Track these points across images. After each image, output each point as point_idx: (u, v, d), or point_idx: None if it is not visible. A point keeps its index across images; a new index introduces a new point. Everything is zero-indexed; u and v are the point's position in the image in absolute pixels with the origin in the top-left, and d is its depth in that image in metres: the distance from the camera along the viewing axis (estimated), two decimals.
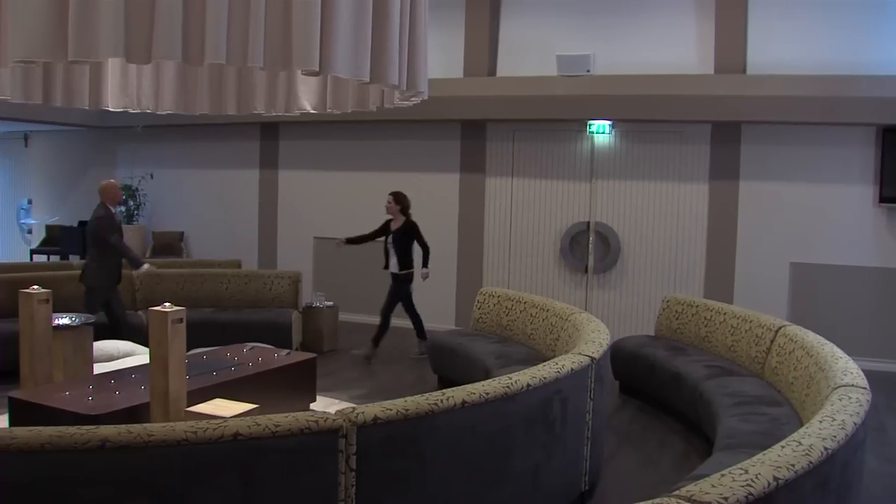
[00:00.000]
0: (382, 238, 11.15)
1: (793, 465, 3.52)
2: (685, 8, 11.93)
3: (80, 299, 9.58)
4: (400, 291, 11.11)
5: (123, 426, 3.83)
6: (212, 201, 15.24)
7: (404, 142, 13.80)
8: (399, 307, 11.18)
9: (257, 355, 8.32)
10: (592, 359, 5.94)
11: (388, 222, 11.13)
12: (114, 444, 3.72)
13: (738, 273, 11.80)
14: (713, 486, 3.24)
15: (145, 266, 9.84)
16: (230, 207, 15.21)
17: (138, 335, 9.92)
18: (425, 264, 11.11)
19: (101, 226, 9.44)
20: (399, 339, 12.51)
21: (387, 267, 11.12)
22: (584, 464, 5.96)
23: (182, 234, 16.02)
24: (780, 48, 11.33)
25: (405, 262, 11.00)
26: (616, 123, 12.30)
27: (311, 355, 8.54)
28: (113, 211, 9.60)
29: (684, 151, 12.00)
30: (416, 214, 13.21)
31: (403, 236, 10.98)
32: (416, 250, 11.03)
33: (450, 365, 9.38)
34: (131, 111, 8.23)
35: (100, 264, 9.50)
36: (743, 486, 3.24)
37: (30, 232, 19.02)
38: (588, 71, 12.01)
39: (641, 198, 12.27)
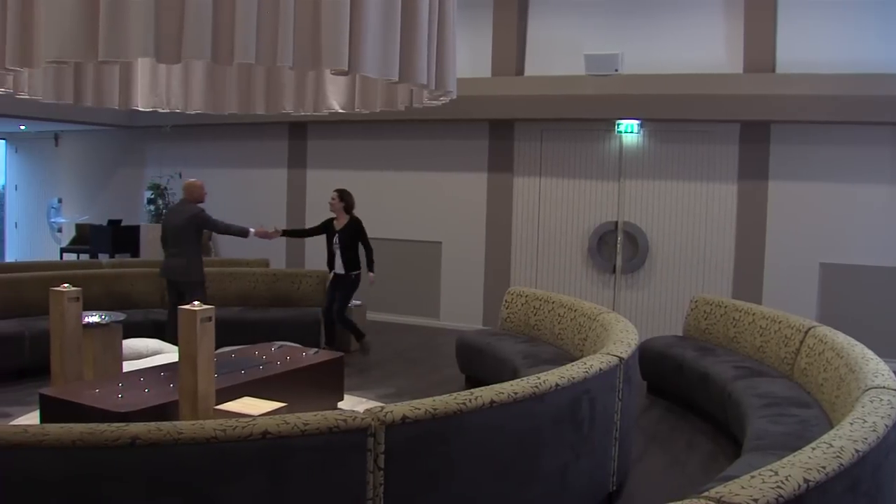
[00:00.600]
0: (328, 237, 10.89)
1: (823, 468, 3.50)
2: (714, 7, 11.87)
3: (108, 298, 9.65)
4: (349, 292, 10.86)
5: (153, 424, 3.86)
6: (240, 200, 15.28)
7: (432, 141, 13.81)
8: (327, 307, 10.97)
9: (285, 354, 8.36)
10: (621, 359, 5.92)
11: (331, 220, 10.90)
12: (144, 442, 3.74)
13: (767, 273, 11.73)
14: (743, 487, 3.23)
15: (251, 230, 10.14)
16: (258, 206, 15.26)
17: (164, 333, 10.02)
18: (370, 268, 10.89)
19: (203, 218, 9.73)
20: (426, 338, 12.56)
21: (332, 268, 10.85)
22: (612, 464, 5.94)
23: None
24: (810, 47, 11.25)
25: (352, 262, 10.76)
26: (644, 123, 12.26)
27: (338, 354, 8.57)
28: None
29: (713, 151, 11.94)
30: (444, 215, 13.25)
31: (348, 236, 10.75)
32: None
33: (478, 364, 9.38)
34: (160, 111, 8.26)
35: (200, 258, 9.84)
36: (773, 488, 3.22)
37: (60, 231, 19.17)
38: (616, 70, 11.97)
39: (670, 198, 12.22)
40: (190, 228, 9.66)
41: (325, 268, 11.32)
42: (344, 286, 10.75)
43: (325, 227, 10.85)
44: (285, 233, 10.97)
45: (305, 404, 6.52)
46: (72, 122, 16.01)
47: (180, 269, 9.69)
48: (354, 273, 10.71)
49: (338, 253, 10.70)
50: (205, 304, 8.45)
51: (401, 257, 14.10)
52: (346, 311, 10.90)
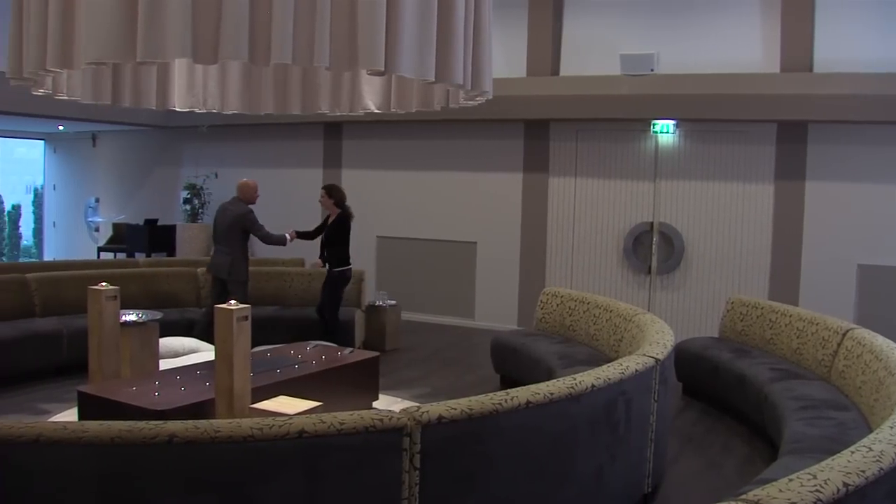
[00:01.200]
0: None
1: (863, 472, 3.46)
2: (750, 6, 11.79)
3: (145, 296, 9.72)
4: (332, 289, 10.50)
5: (190, 422, 3.89)
6: (275, 200, 15.31)
7: (467, 141, 13.81)
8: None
9: (320, 353, 8.39)
10: (657, 360, 5.90)
11: (327, 218, 10.65)
12: (181, 440, 3.77)
13: (804, 275, 11.64)
14: (781, 490, 3.20)
15: (287, 236, 10.22)
16: (294, 206, 15.31)
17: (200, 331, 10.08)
18: (325, 256, 10.46)
19: (249, 220, 9.88)
20: (460, 338, 12.56)
21: (324, 264, 10.62)
22: (648, 466, 5.92)
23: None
24: (848, 45, 11.15)
25: (335, 258, 10.42)
26: (680, 123, 12.20)
27: (373, 354, 8.59)
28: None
29: (749, 151, 11.85)
30: (479, 215, 13.24)
31: (333, 230, 10.43)
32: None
33: (512, 365, 9.37)
34: (197, 111, 8.31)
35: (242, 257, 9.95)
36: (812, 492, 3.19)
37: (97, 230, 19.33)
38: (652, 70, 11.92)
39: (706, 198, 12.14)
40: (235, 228, 9.79)
41: (361, 267, 11.32)
42: (329, 281, 10.47)
43: (325, 225, 10.64)
44: (299, 234, 10.70)
45: (340, 404, 6.55)
46: (109, 122, 16.13)
47: (224, 267, 9.81)
48: (338, 269, 10.40)
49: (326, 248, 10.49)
50: (244, 303, 8.57)
51: (436, 257, 14.12)
52: (335, 308, 10.51)
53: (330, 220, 10.51)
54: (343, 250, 10.42)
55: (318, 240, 10.56)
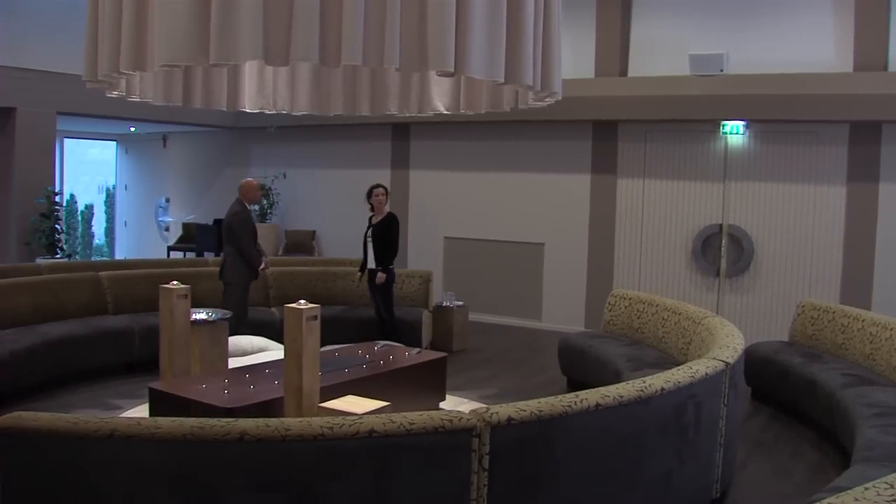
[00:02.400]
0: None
1: None
2: (822, 4, 11.61)
3: (215, 295, 9.82)
4: (386, 288, 10.43)
5: (261, 420, 3.94)
6: (343, 200, 15.43)
7: (535, 142, 13.78)
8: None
9: (388, 353, 8.41)
10: (727, 364, 5.83)
11: (370, 217, 10.55)
12: (252, 437, 3.82)
13: (877, 278, 11.42)
14: (856, 499, 3.13)
15: (263, 263, 9.98)
16: (361, 206, 15.37)
17: (269, 331, 10.15)
18: (382, 264, 10.27)
19: (237, 221, 9.70)
20: (528, 340, 12.54)
21: (364, 265, 10.53)
22: (716, 471, 5.86)
23: (314, 232, 16.30)
24: None
25: (383, 258, 10.30)
26: (750, 124, 12.05)
27: (441, 354, 8.60)
28: (249, 209, 9.80)
29: (821, 152, 11.66)
30: (547, 216, 13.21)
31: (382, 230, 10.34)
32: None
33: (580, 367, 9.32)
34: (267, 112, 8.39)
35: (236, 260, 9.71)
36: (889, 501, 3.12)
37: (167, 229, 19.60)
38: (721, 70, 11.80)
39: (776, 200, 11.98)
40: (229, 228, 9.76)
41: (428, 268, 11.33)
42: (378, 284, 10.39)
43: (367, 232, 10.50)
44: (361, 270, 10.60)
45: (408, 404, 6.56)
46: (180, 123, 16.37)
47: (221, 268, 9.87)
48: (391, 268, 10.36)
49: (370, 247, 10.38)
50: (229, 308, 8.60)
51: (503, 258, 14.11)
52: (392, 308, 10.57)
53: (374, 218, 10.46)
54: (387, 251, 10.34)
55: (365, 239, 10.49)
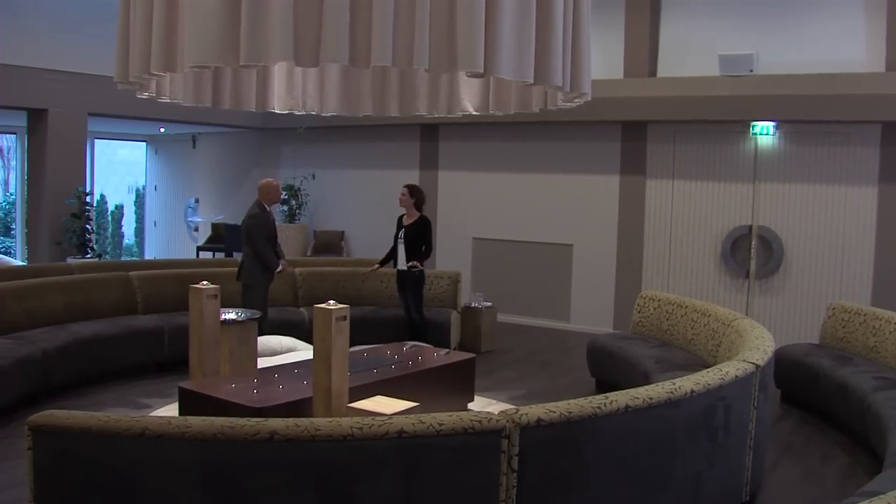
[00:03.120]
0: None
1: None
2: (854, 4, 11.51)
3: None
4: (417, 289, 10.48)
5: (291, 419, 3.95)
6: (372, 201, 15.47)
7: (564, 143, 13.76)
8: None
9: (417, 354, 8.43)
10: (757, 366, 5.80)
11: (401, 217, 10.55)
12: (282, 437, 3.84)
13: None
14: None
15: (280, 265, 9.90)
16: (390, 207, 15.35)
17: (298, 331, 10.18)
18: (416, 258, 10.28)
19: (253, 223, 9.68)
20: (556, 341, 12.53)
21: (395, 265, 10.45)
22: (746, 473, 5.83)
23: (342, 233, 16.34)
24: None
25: (416, 259, 10.26)
26: (780, 124, 11.98)
27: (469, 355, 8.61)
28: (268, 210, 9.81)
29: (852, 153, 11.57)
30: (576, 217, 13.18)
31: (416, 232, 10.31)
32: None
33: (608, 368, 9.30)
34: (296, 113, 8.42)
35: (255, 262, 9.73)
36: None
37: (196, 229, 19.71)
38: (751, 71, 11.74)
39: (806, 201, 11.90)
40: (247, 230, 9.75)
41: (457, 269, 11.32)
42: (410, 284, 10.43)
43: (398, 226, 10.49)
44: (382, 264, 10.68)
45: (436, 404, 6.59)
46: (209, 124, 16.47)
47: (239, 270, 9.86)
48: (417, 270, 10.31)
49: (401, 248, 10.33)
50: (246, 308, 8.62)
51: (532, 259, 14.09)
52: (422, 308, 10.56)
53: (406, 220, 10.43)
54: (419, 252, 10.32)
55: (396, 240, 10.44)
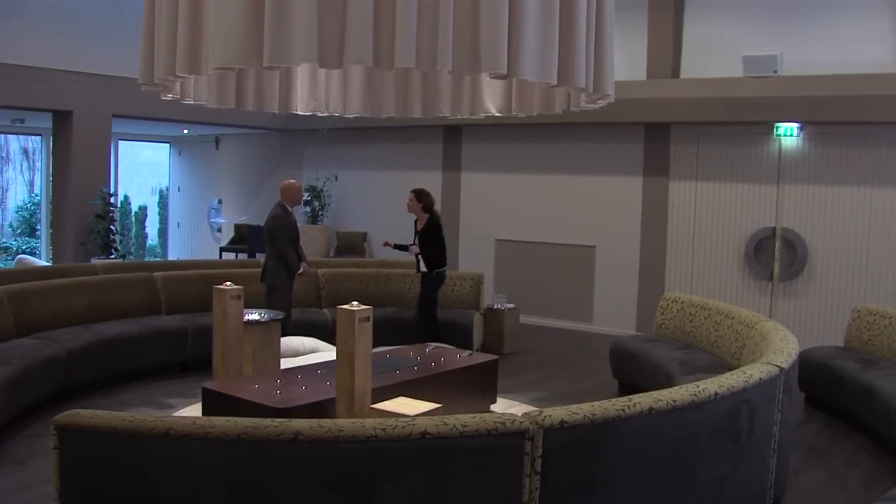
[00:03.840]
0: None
1: None
2: (879, 4, 11.42)
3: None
4: (432, 291, 10.57)
5: (315, 420, 3.96)
6: (395, 202, 15.44)
7: (587, 144, 13.74)
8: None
9: (439, 355, 8.43)
10: (781, 369, 5.77)
11: (416, 222, 10.60)
12: (306, 438, 3.85)
13: None
14: None
15: (302, 266, 9.95)
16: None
17: (321, 332, 10.20)
18: (428, 256, 10.35)
19: (276, 224, 9.73)
20: (579, 343, 12.50)
21: (418, 270, 10.53)
22: (770, 477, 5.80)
23: (365, 234, 16.36)
24: None
25: (433, 260, 10.38)
26: (805, 125, 11.91)
27: (492, 357, 8.61)
28: (290, 210, 9.83)
29: (879, 154, 11.48)
30: (599, 219, 13.15)
31: (426, 234, 10.38)
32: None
33: (631, 370, 9.28)
34: (319, 114, 8.43)
35: (278, 263, 9.76)
36: None
37: (219, 230, 19.79)
38: (775, 71, 11.68)
39: (831, 202, 11.82)
40: (269, 231, 9.78)
41: (479, 270, 11.28)
42: (425, 283, 10.51)
43: (414, 231, 10.56)
44: (396, 246, 10.77)
45: (459, 406, 6.59)
46: (232, 125, 16.54)
47: (263, 271, 9.89)
48: (437, 270, 10.44)
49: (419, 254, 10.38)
50: (274, 309, 8.63)
51: (555, 261, 14.08)
52: (433, 309, 10.59)
53: (418, 224, 10.49)
54: (436, 252, 10.38)
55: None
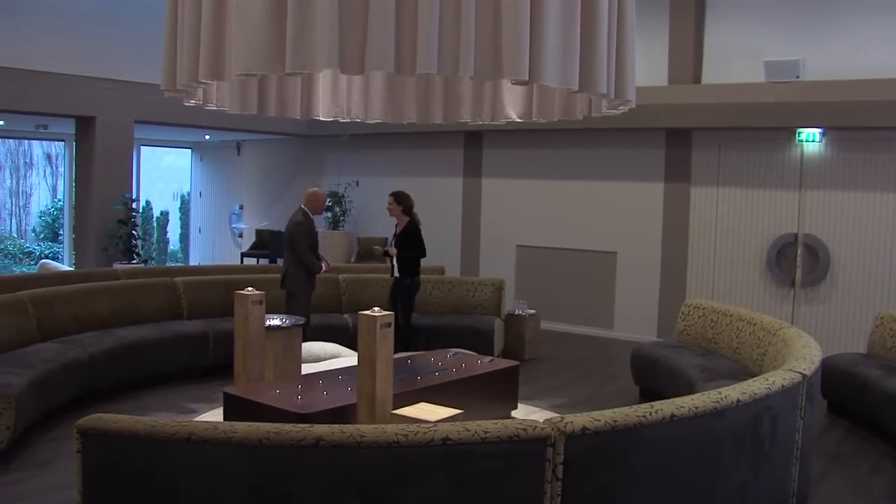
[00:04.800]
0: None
1: None
2: None
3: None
4: (407, 297, 10.39)
5: (337, 426, 3.97)
6: (416, 208, 15.46)
7: (607, 150, 13.71)
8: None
9: (460, 361, 8.43)
10: (804, 376, 5.74)
11: (395, 226, 10.53)
12: (327, 443, 3.86)
13: None
14: None
15: (322, 266, 9.99)
16: (434, 214, 15.41)
17: (342, 337, 10.22)
18: (404, 274, 10.30)
19: (298, 231, 9.76)
20: (600, 349, 12.48)
21: (392, 273, 10.39)
22: (792, 484, 5.77)
23: (386, 240, 16.32)
24: None
25: (406, 266, 10.29)
26: (827, 131, 11.85)
27: (513, 363, 8.60)
28: (311, 217, 9.87)
29: None
30: (620, 224, 13.11)
31: (403, 238, 10.29)
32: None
33: (652, 377, 9.26)
34: (341, 120, 8.45)
35: (298, 269, 9.79)
36: None
37: (240, 236, 19.85)
38: (798, 77, 11.61)
39: (854, 208, 11.75)
40: (291, 238, 9.80)
41: (500, 276, 11.25)
42: (401, 291, 10.37)
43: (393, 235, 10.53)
44: (384, 253, 10.60)
45: (480, 412, 6.57)
46: (253, 131, 16.60)
47: (283, 277, 9.90)
48: (409, 279, 10.32)
49: (395, 256, 10.31)
50: (294, 315, 8.62)
51: (576, 267, 14.06)
52: (410, 317, 10.43)
53: (398, 228, 10.44)
54: (414, 259, 10.30)
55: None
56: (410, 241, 10.27)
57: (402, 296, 10.36)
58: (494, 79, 6.19)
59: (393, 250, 10.27)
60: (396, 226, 10.49)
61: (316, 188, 10.12)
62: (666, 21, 12.96)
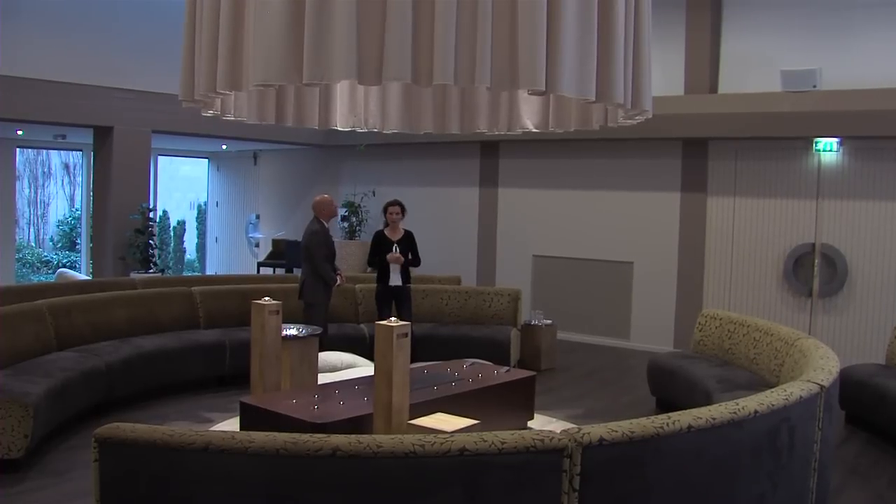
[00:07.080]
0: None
1: None
2: None
3: (303, 311, 9.91)
4: (410, 304, 10.51)
5: (353, 436, 3.96)
6: (432, 218, 15.47)
7: (624, 160, 13.70)
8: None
9: (477, 371, 8.43)
10: (822, 387, 5.71)
11: (380, 233, 10.57)
12: (344, 453, 3.85)
13: None
14: None
15: (337, 279, 10.02)
16: (450, 224, 15.45)
17: (358, 347, 10.23)
18: (408, 282, 10.47)
19: (315, 241, 9.81)
20: (616, 359, 12.46)
21: (387, 281, 10.34)
22: (811, 496, 5.74)
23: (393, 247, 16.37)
24: None
25: (408, 274, 10.48)
26: (844, 140, 11.82)
27: (530, 373, 8.59)
28: (326, 226, 9.88)
29: None
30: (636, 234, 13.10)
31: (407, 247, 10.42)
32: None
33: (669, 387, 9.23)
34: (358, 130, 8.46)
35: (316, 280, 9.81)
36: None
37: (257, 245, 19.88)
38: (815, 86, 11.59)
39: (872, 218, 11.70)
40: (307, 248, 9.84)
41: (516, 286, 11.22)
42: (409, 299, 10.46)
43: (378, 242, 10.47)
44: (381, 276, 10.50)
45: (496, 422, 6.57)
46: (270, 141, 16.65)
47: (301, 288, 9.91)
48: (409, 285, 10.49)
49: (395, 265, 10.32)
50: (312, 325, 8.61)
51: (592, 277, 14.04)
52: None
53: (391, 235, 10.44)
54: (416, 262, 10.56)
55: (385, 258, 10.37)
56: (413, 249, 10.45)
57: (410, 304, 10.44)
58: (511, 89, 6.19)
59: (401, 258, 10.31)
60: (386, 231, 10.48)
61: (322, 195, 10.14)
62: (682, 30, 12.95)
